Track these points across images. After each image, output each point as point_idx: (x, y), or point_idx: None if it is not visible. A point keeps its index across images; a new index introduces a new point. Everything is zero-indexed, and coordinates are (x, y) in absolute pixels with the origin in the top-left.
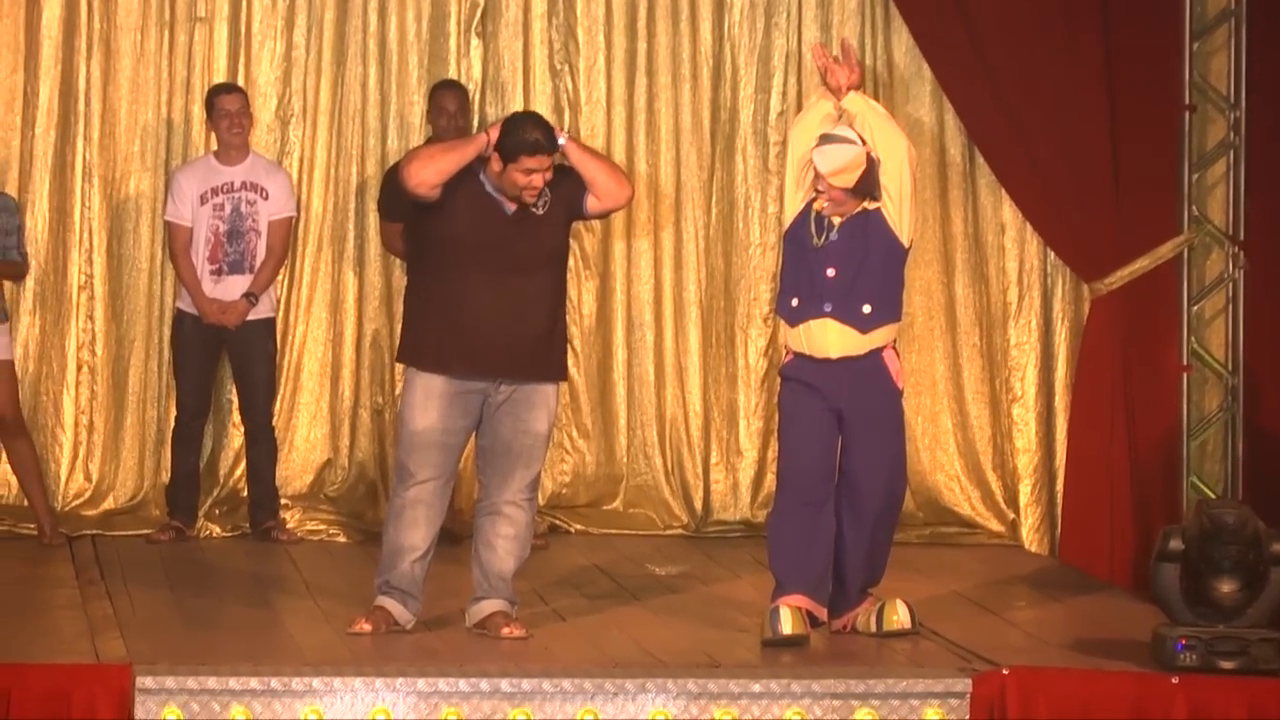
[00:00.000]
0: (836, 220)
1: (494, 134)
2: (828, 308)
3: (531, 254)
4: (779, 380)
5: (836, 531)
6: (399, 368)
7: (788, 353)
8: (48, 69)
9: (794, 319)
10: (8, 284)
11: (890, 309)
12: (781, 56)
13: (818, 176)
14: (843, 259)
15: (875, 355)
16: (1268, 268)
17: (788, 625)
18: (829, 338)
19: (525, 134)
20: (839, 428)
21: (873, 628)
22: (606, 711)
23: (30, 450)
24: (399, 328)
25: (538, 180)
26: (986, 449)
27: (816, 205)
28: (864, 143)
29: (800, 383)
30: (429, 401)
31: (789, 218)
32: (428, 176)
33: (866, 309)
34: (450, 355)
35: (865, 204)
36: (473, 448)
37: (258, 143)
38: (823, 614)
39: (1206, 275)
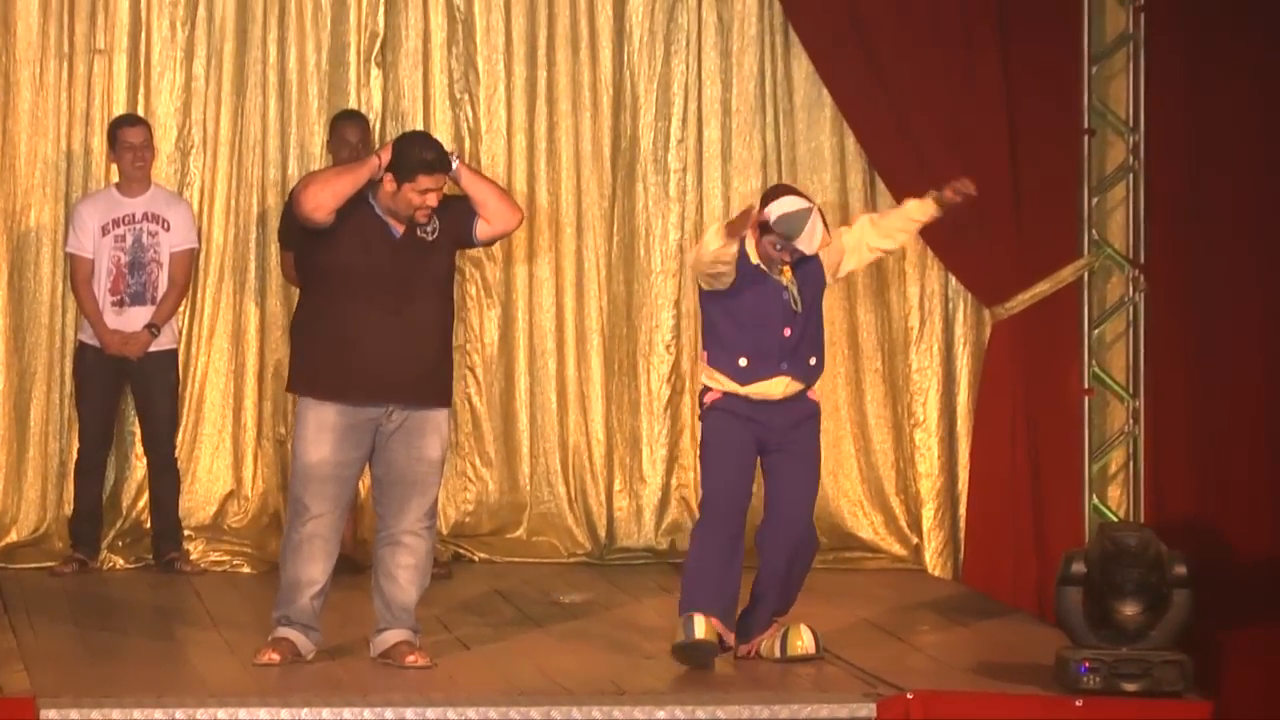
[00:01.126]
0: (787, 281)
1: (385, 156)
2: (784, 366)
3: (421, 280)
4: (698, 414)
5: (758, 560)
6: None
7: (714, 390)
8: None
9: (745, 379)
10: None
11: (823, 356)
12: (681, 84)
13: (783, 244)
14: (796, 318)
15: (805, 393)
16: (1168, 291)
17: (700, 630)
18: (776, 390)
19: (421, 153)
20: (761, 458)
21: (776, 653)
22: None
23: None
24: None
25: (432, 199)
26: (889, 473)
27: (781, 273)
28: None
29: (728, 413)
30: (321, 435)
31: (712, 279)
32: (324, 200)
33: (812, 361)
34: (342, 382)
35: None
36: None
37: (158, 173)
38: (730, 639)
39: (1107, 299)
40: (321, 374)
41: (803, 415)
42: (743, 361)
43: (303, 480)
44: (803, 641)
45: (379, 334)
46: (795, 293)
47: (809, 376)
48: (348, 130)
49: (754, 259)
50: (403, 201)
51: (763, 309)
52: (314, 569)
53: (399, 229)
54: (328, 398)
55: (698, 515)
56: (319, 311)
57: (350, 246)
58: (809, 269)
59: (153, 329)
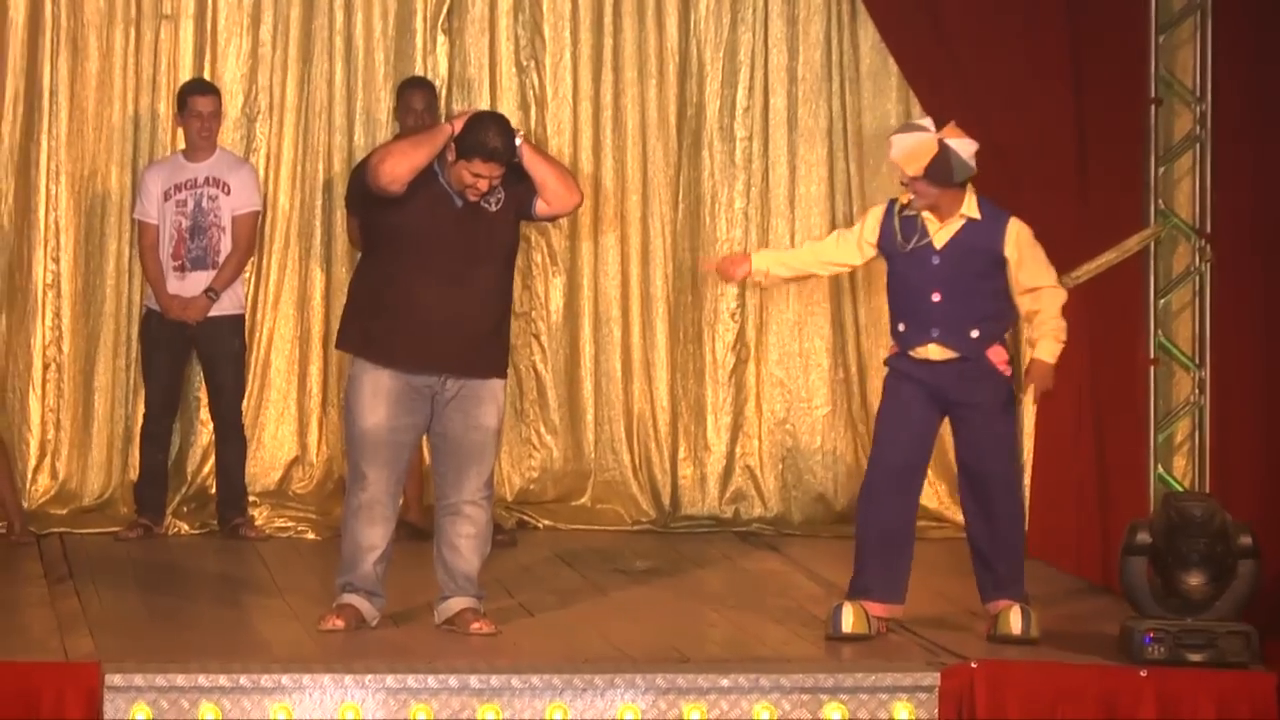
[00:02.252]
0: (933, 231)
1: (458, 125)
2: (935, 333)
3: (482, 250)
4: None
5: (966, 524)
6: None
7: (892, 346)
8: (14, 67)
9: (904, 343)
10: None
11: (998, 325)
12: (748, 51)
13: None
14: (947, 282)
15: (982, 356)
16: (1234, 260)
17: (847, 623)
18: (932, 354)
19: (487, 139)
20: (942, 418)
21: (995, 631)
22: (575, 707)
23: (3, 448)
24: None
25: (482, 185)
26: (952, 442)
27: (902, 198)
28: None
29: (902, 373)
30: (376, 399)
31: (838, 258)
32: (401, 173)
33: (975, 334)
34: (398, 349)
35: (962, 211)
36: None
37: (225, 139)
38: (898, 611)
39: (1173, 268)
40: (378, 338)
41: (976, 370)
42: (901, 326)
43: (358, 446)
44: (1011, 622)
45: (438, 302)
46: (900, 230)
47: (969, 348)
48: (414, 98)
49: (897, 226)
50: (454, 175)
51: (910, 274)
52: (374, 534)
53: (459, 199)
54: (382, 362)
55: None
56: (379, 276)
57: (415, 213)
58: (971, 239)
59: (211, 293)
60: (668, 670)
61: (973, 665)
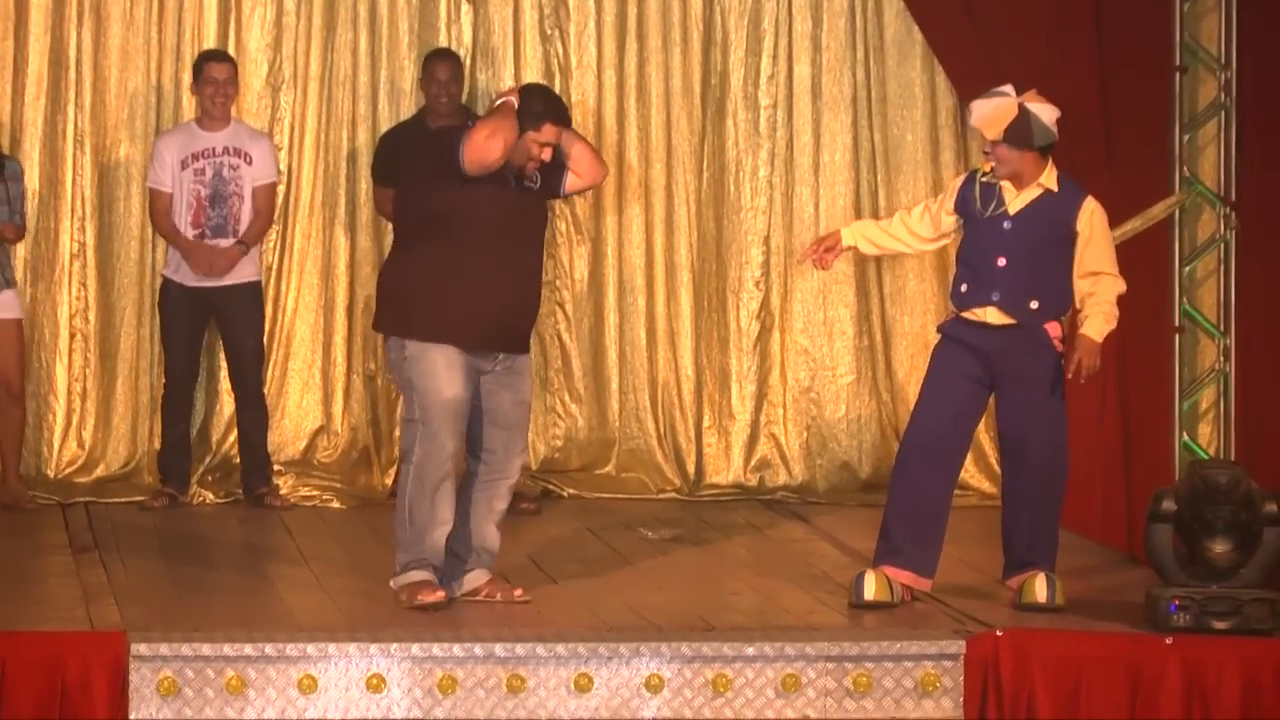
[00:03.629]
0: (1009, 199)
1: (516, 100)
2: (995, 296)
3: (531, 229)
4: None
5: (1002, 493)
6: None
7: (949, 312)
8: (38, 36)
9: (962, 305)
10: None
11: (1058, 302)
12: (772, 20)
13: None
14: (1015, 248)
15: (1035, 325)
16: (1259, 228)
17: (869, 590)
18: (989, 317)
19: (554, 102)
20: (991, 392)
21: (1020, 599)
22: (600, 675)
23: (22, 419)
24: None
25: (547, 154)
26: None
27: (984, 166)
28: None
29: (954, 340)
30: (452, 372)
31: (928, 233)
32: (499, 151)
33: (1034, 305)
34: (470, 329)
35: (1041, 181)
36: None
37: (248, 109)
38: (924, 585)
39: (1198, 236)
40: (449, 319)
41: (1030, 343)
42: (963, 287)
43: (440, 418)
44: (1036, 589)
45: (502, 283)
46: (980, 195)
47: (1028, 318)
48: (438, 68)
49: (976, 192)
50: (521, 150)
51: (982, 237)
52: (448, 509)
53: (509, 180)
54: (453, 342)
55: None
56: (442, 258)
57: (481, 195)
58: (1046, 209)
59: (241, 246)
60: (692, 638)
61: (998, 634)
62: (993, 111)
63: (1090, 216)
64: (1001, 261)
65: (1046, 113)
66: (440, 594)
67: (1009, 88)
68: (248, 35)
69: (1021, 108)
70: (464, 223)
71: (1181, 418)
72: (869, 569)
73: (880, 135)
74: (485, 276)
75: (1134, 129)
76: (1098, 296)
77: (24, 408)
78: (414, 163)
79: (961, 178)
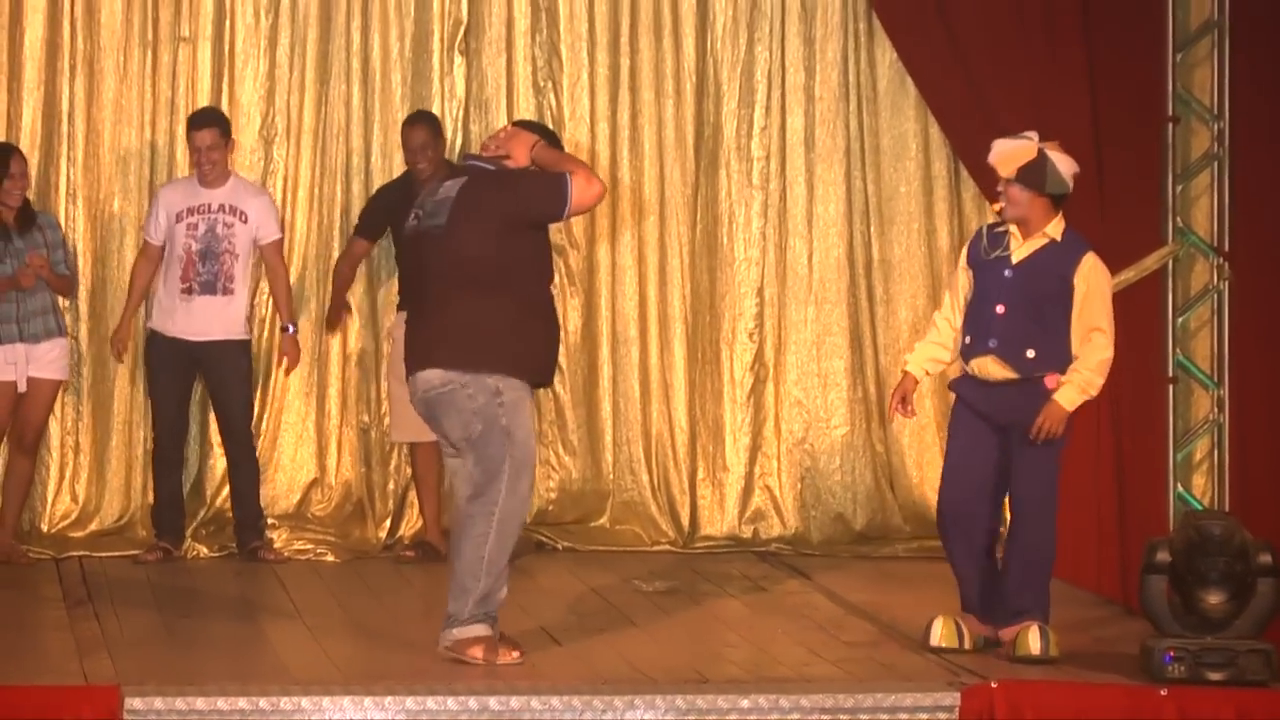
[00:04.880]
0: (1014, 246)
1: (531, 140)
2: (992, 344)
3: None
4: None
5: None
6: (384, 386)
7: (960, 368)
8: (30, 90)
9: (965, 357)
10: (62, 300)
11: (1056, 353)
12: (764, 71)
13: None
14: (1014, 297)
15: (1037, 379)
16: (1252, 278)
17: (936, 636)
18: (990, 370)
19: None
20: (1003, 444)
21: (1014, 652)
22: None
23: (30, 473)
24: (384, 346)
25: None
26: None
27: (994, 207)
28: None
29: (963, 401)
30: (529, 418)
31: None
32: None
33: (1030, 354)
34: (547, 373)
35: (1046, 231)
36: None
37: (242, 162)
38: (991, 632)
39: (1192, 286)
40: (539, 363)
41: (1032, 399)
42: (967, 339)
43: (528, 463)
44: (1029, 642)
45: (556, 325)
46: (986, 240)
47: (1024, 367)
48: (411, 136)
49: (984, 239)
50: None
51: (984, 284)
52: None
53: None
54: (536, 385)
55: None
56: (532, 297)
57: (545, 238)
58: (1047, 259)
59: (289, 328)
60: (687, 691)
61: (993, 685)
62: (1011, 151)
63: (1089, 272)
64: (1000, 309)
65: (1065, 163)
66: (517, 653)
67: (1033, 134)
68: (241, 89)
69: (1040, 152)
70: (538, 267)
71: (1175, 468)
72: (941, 614)
73: (874, 187)
74: (553, 319)
75: (1127, 179)
76: (1080, 362)
77: (34, 464)
78: (484, 210)
79: (971, 240)
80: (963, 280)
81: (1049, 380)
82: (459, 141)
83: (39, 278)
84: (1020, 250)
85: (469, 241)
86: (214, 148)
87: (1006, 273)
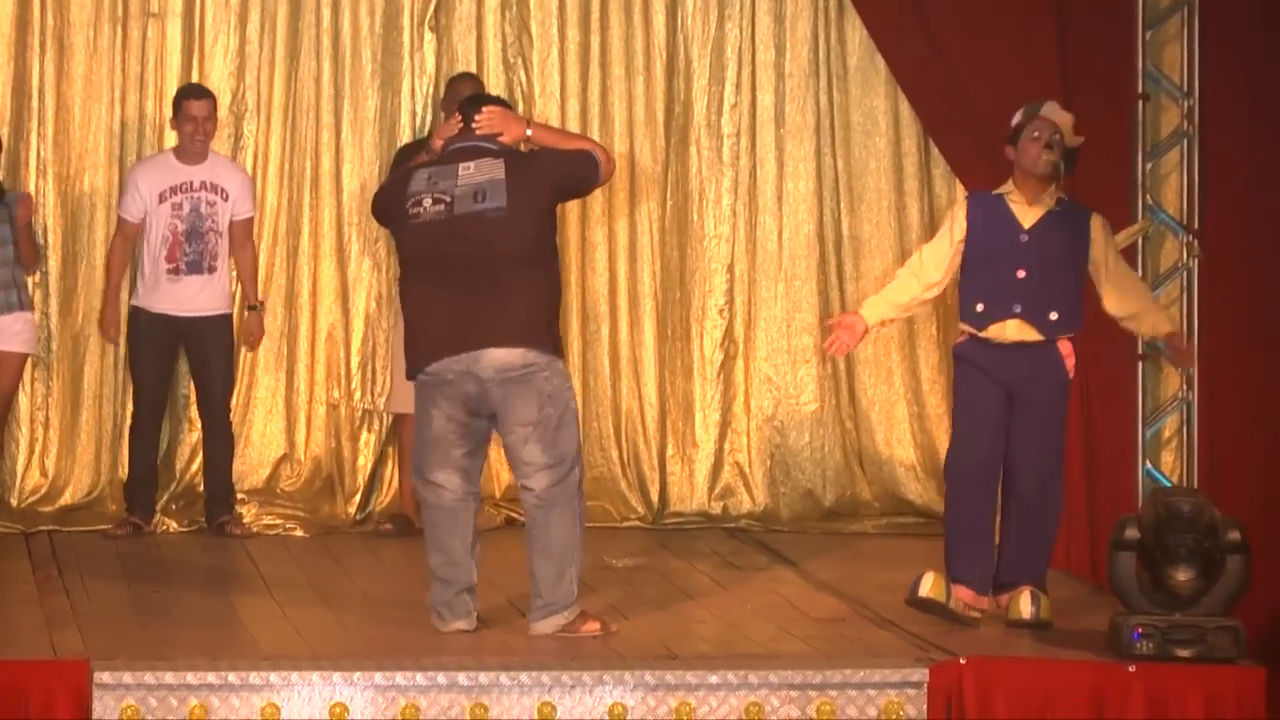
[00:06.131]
0: (1027, 219)
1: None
2: (1017, 309)
3: None
4: (952, 360)
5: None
6: (354, 362)
7: (962, 333)
8: (0, 66)
9: (981, 323)
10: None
11: (1074, 317)
12: (735, 48)
13: (1039, 129)
14: (1033, 260)
15: (1051, 342)
16: (1222, 257)
17: (925, 587)
18: (1009, 333)
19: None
20: (1008, 407)
21: (1007, 616)
22: (564, 704)
23: None
24: (353, 321)
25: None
26: (943, 439)
27: (1033, 165)
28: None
29: (973, 364)
30: None
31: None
32: None
33: (1054, 315)
34: None
35: (1058, 194)
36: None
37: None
38: (983, 604)
39: (1161, 264)
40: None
41: (1044, 362)
42: (979, 306)
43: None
44: (1021, 606)
45: None
46: (1021, 221)
47: (1048, 329)
48: (464, 87)
49: (982, 211)
50: None
51: (996, 252)
52: None
53: None
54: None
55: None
56: (559, 279)
57: None
58: (1060, 220)
59: (257, 307)
60: (656, 667)
61: (961, 661)
62: (1064, 115)
63: (1101, 231)
64: (1021, 274)
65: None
66: (611, 624)
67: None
68: (211, 64)
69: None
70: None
71: (1145, 446)
72: (933, 571)
73: (844, 163)
74: None
75: (1097, 157)
76: (1151, 303)
77: (1, 438)
78: (537, 190)
79: (960, 205)
80: (948, 249)
81: (1062, 345)
82: (429, 118)
83: (5, 242)
84: (1028, 216)
85: (530, 221)
86: (209, 119)
87: (1023, 237)
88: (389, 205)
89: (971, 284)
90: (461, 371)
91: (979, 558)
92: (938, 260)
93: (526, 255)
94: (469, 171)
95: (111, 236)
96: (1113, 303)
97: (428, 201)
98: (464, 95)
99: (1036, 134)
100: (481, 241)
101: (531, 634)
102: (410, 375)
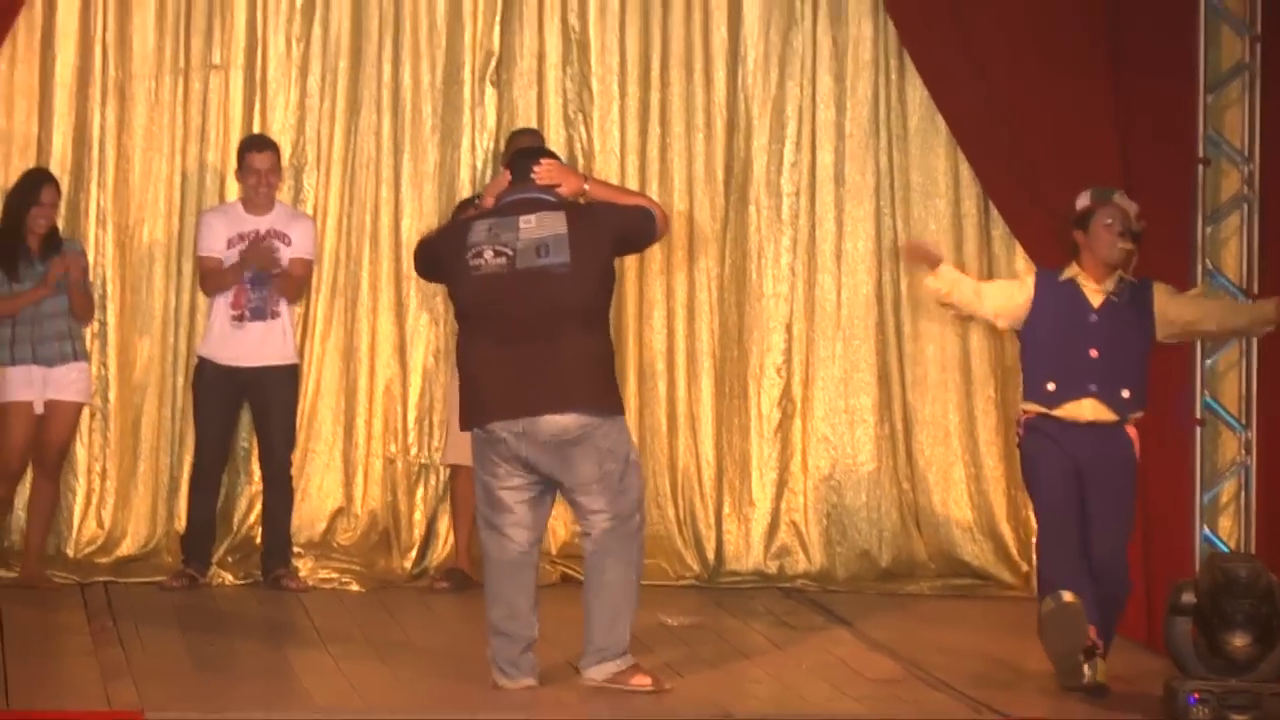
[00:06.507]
0: (1095, 299)
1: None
2: (1093, 388)
3: None
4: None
5: None
6: (411, 416)
7: (1028, 413)
8: (62, 116)
9: (1053, 402)
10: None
11: (1143, 394)
12: (795, 107)
13: (1111, 216)
14: (1104, 339)
15: (1121, 424)
16: None
17: (1090, 673)
18: (1084, 411)
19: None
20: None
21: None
22: None
23: (55, 497)
24: (411, 375)
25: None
26: (1000, 500)
27: (1108, 253)
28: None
29: (1045, 435)
30: None
31: (1004, 319)
32: None
33: (1125, 394)
34: None
35: (1122, 274)
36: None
37: None
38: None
39: None
40: None
41: (1114, 444)
42: (1050, 386)
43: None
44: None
45: None
46: (1090, 300)
47: (1121, 408)
48: (525, 141)
49: (1063, 275)
50: None
51: (1067, 332)
52: None
53: None
54: None
55: (1036, 531)
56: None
57: None
58: (1134, 299)
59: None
60: None
61: None
62: (1133, 206)
63: (1162, 292)
64: (1094, 353)
65: None
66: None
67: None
68: (272, 116)
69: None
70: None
71: (1202, 510)
72: (1080, 658)
73: (903, 224)
74: None
75: (1156, 221)
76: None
77: (57, 489)
78: (598, 244)
79: (1032, 278)
80: (1017, 310)
81: (1130, 429)
82: (488, 173)
83: (61, 292)
84: (1096, 296)
85: (592, 277)
86: (272, 170)
87: (1093, 318)
88: (444, 255)
89: (1041, 364)
90: (517, 434)
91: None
92: (1004, 302)
93: (587, 312)
94: (530, 225)
95: (180, 290)
96: (1211, 319)
97: (489, 254)
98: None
99: (1109, 221)
100: (545, 299)
101: (582, 681)
102: (465, 428)
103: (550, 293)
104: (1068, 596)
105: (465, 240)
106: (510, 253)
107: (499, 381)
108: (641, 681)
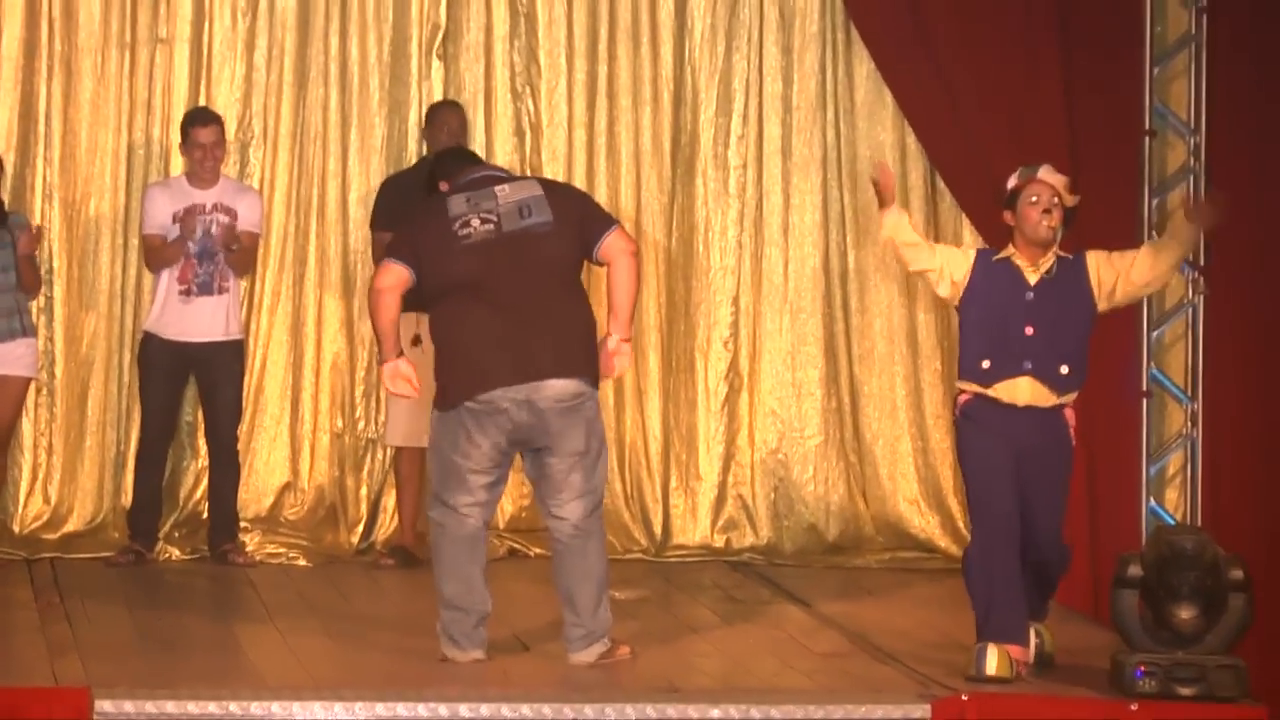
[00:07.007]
0: (1032, 277)
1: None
2: (1028, 365)
3: None
4: (955, 421)
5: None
6: (359, 390)
7: (964, 393)
8: (7, 90)
9: (988, 380)
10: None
11: (1082, 372)
12: (742, 80)
13: (1037, 193)
14: (1040, 317)
15: (1059, 408)
16: (1228, 293)
17: (992, 665)
18: (1020, 391)
19: None
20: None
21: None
22: None
23: (2, 473)
24: (358, 350)
25: None
26: (947, 474)
27: (1033, 232)
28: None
29: (980, 424)
30: None
31: (946, 282)
32: None
33: (1064, 370)
34: None
35: (1057, 251)
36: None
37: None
38: (1026, 657)
39: (1167, 301)
40: None
41: (1053, 428)
42: (985, 364)
43: None
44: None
45: None
46: (1026, 278)
47: (1059, 385)
48: (450, 117)
49: (998, 255)
50: None
51: (1003, 310)
52: None
53: None
54: None
55: (970, 531)
56: None
57: None
58: (1071, 274)
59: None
60: (658, 700)
61: (963, 698)
62: (1061, 179)
63: (1097, 260)
64: (1029, 330)
65: None
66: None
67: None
68: (217, 91)
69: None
70: None
71: (1148, 483)
72: (990, 643)
73: (850, 196)
74: None
75: (1103, 192)
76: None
77: (4, 462)
78: (571, 212)
79: (974, 252)
80: (952, 283)
81: (1068, 413)
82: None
83: (13, 271)
84: (1032, 274)
85: (573, 234)
86: (217, 144)
87: (1028, 295)
88: (426, 236)
89: (976, 342)
90: (520, 400)
91: (1020, 615)
92: (947, 251)
93: (573, 269)
94: (506, 191)
95: (125, 265)
96: (1144, 272)
97: (475, 221)
98: (450, 124)
99: (1035, 199)
100: (534, 260)
101: (572, 664)
102: (453, 404)
103: (538, 253)
104: (991, 666)
105: (447, 214)
106: (495, 218)
107: (500, 348)
108: (623, 653)
